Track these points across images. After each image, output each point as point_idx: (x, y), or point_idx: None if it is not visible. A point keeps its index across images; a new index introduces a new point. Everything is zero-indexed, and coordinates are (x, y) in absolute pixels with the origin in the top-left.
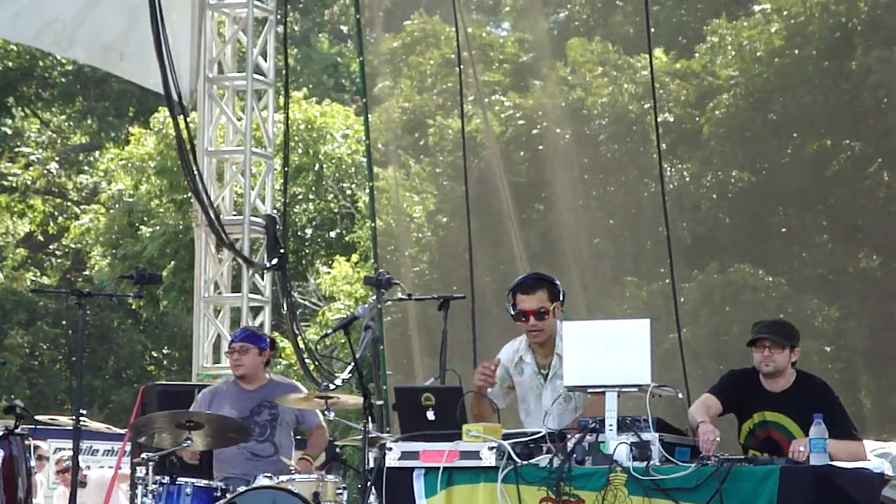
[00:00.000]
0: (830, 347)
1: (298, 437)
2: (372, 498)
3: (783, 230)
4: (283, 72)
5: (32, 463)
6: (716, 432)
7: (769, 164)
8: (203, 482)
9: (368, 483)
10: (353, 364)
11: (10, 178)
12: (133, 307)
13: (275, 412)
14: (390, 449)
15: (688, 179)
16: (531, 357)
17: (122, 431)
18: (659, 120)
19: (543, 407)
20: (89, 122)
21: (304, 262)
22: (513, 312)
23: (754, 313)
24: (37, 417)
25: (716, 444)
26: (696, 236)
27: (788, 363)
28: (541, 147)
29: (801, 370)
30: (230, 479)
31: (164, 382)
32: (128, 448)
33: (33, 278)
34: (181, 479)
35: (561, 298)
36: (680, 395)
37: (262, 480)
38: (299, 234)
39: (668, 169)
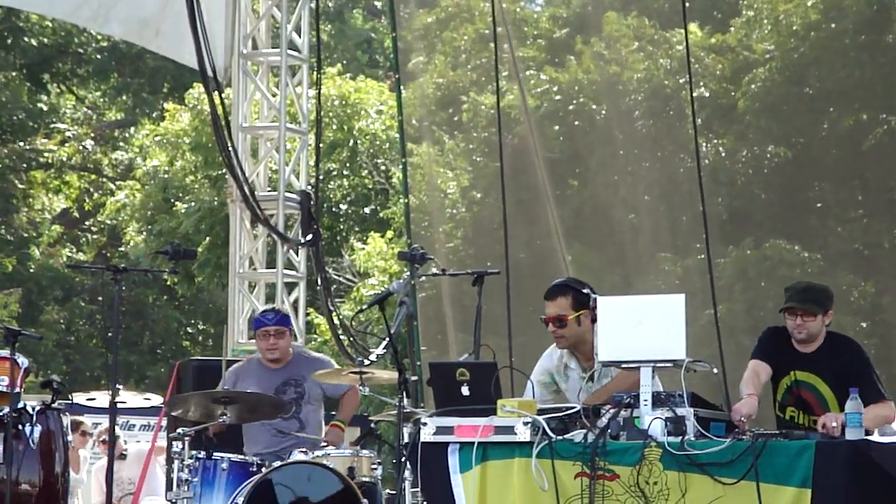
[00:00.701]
0: (866, 323)
1: (332, 413)
2: (407, 473)
3: (818, 205)
4: (317, 47)
5: (70, 438)
6: (747, 413)
7: (805, 139)
8: (239, 457)
9: (403, 458)
10: (387, 340)
11: (45, 154)
12: (168, 283)
13: (300, 390)
14: (425, 424)
15: (723, 154)
16: (575, 363)
17: (159, 402)
18: (694, 95)
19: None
20: (124, 98)
21: (338, 238)
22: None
23: None
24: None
25: (744, 422)
26: (732, 211)
27: (822, 328)
28: (576, 122)
29: (832, 331)
30: (262, 456)
31: (199, 358)
32: (164, 423)
33: (69, 254)
34: (217, 454)
35: (592, 305)
36: (715, 371)
37: (297, 456)
38: (334, 210)
39: (704, 144)
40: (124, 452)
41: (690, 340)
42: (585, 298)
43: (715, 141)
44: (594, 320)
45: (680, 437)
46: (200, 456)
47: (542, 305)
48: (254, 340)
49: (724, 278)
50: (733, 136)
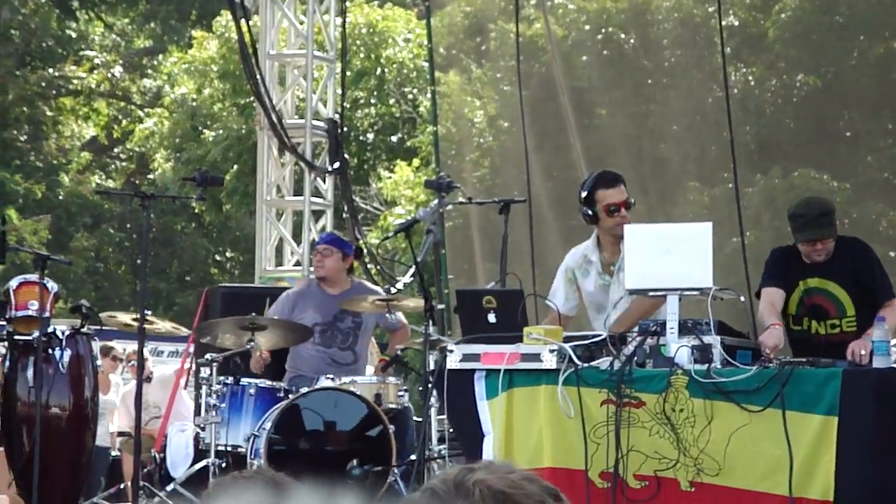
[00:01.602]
0: (895, 252)
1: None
2: (433, 400)
3: (848, 134)
4: None
5: (99, 362)
6: (774, 346)
7: (834, 68)
8: (266, 383)
9: (429, 385)
10: (414, 268)
11: (74, 81)
12: (196, 211)
13: (358, 320)
14: (451, 351)
15: (752, 84)
16: (597, 256)
17: (186, 332)
18: (723, 23)
19: (611, 300)
20: (152, 25)
21: (365, 166)
22: (591, 213)
23: None
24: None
25: (770, 354)
26: (760, 140)
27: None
28: (605, 52)
29: (838, 235)
30: (298, 379)
31: (227, 285)
32: (192, 349)
33: (98, 181)
34: (245, 380)
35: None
36: (742, 299)
37: (323, 382)
38: (361, 138)
39: (733, 73)
40: (150, 375)
41: (717, 269)
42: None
43: (744, 70)
44: None
45: (706, 365)
46: (228, 381)
47: (566, 231)
48: (281, 267)
49: (751, 207)
50: (762, 65)
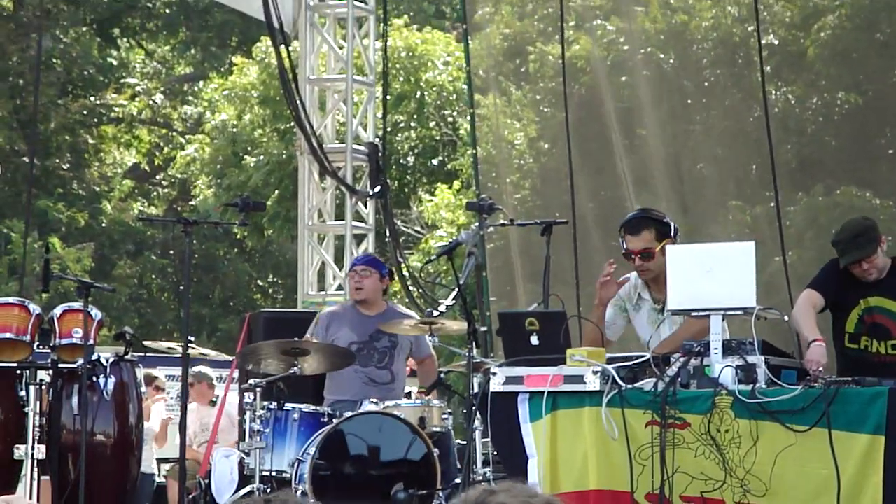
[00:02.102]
0: None
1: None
2: (477, 422)
3: (890, 151)
4: None
5: (143, 389)
6: (822, 362)
7: (875, 86)
8: (311, 408)
9: (473, 408)
10: (456, 290)
11: (116, 109)
12: (238, 236)
13: (394, 339)
14: (494, 374)
15: (793, 102)
16: (648, 293)
17: (229, 358)
18: (763, 42)
19: (660, 337)
20: (193, 52)
21: (406, 189)
22: (623, 250)
23: None
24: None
25: (822, 371)
26: (802, 159)
27: (883, 255)
28: (645, 72)
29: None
30: (339, 404)
31: (269, 310)
32: (235, 375)
33: (140, 208)
34: (289, 405)
35: (672, 234)
36: (785, 318)
37: (368, 406)
38: (401, 161)
39: (773, 92)
40: (214, 399)
41: (760, 288)
42: (667, 228)
43: (784, 89)
44: None
45: (751, 385)
46: (272, 406)
47: (611, 252)
48: (323, 291)
49: (794, 226)
50: (803, 83)
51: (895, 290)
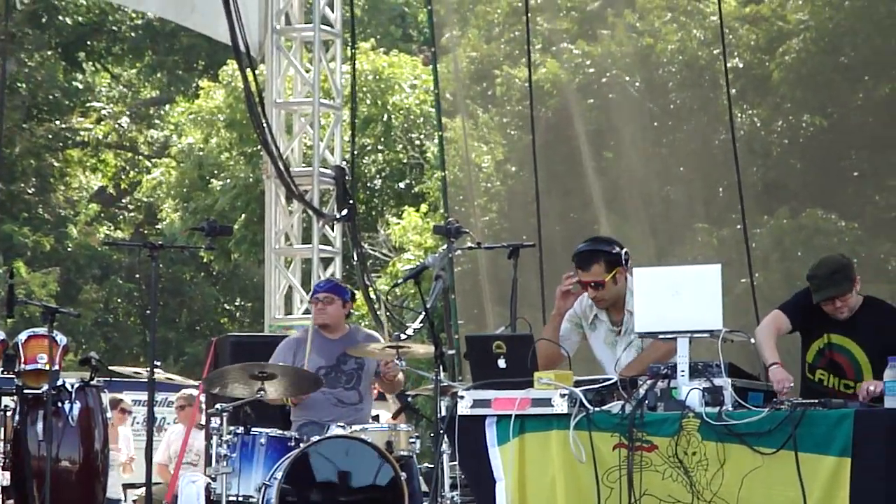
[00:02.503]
0: None
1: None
2: (444, 446)
3: (855, 174)
4: (350, 22)
5: (109, 414)
6: (789, 379)
7: (840, 109)
8: (277, 432)
9: (441, 431)
10: (424, 314)
11: (81, 132)
12: (205, 260)
13: (360, 361)
14: (462, 397)
15: (758, 125)
16: (605, 315)
17: (195, 383)
18: (728, 66)
19: (616, 357)
20: (159, 76)
21: (373, 212)
22: (576, 280)
23: None
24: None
25: (790, 390)
26: (767, 181)
27: (857, 295)
28: (611, 95)
29: (868, 296)
30: (307, 426)
31: (236, 334)
32: (202, 399)
33: (106, 233)
34: (255, 430)
35: (623, 262)
36: (752, 340)
37: (335, 430)
38: (368, 185)
39: (739, 115)
40: (201, 424)
41: (727, 310)
42: (616, 258)
43: (750, 111)
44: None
45: (718, 408)
46: (239, 431)
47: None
48: (291, 315)
49: (760, 248)
50: (768, 106)
51: (858, 331)
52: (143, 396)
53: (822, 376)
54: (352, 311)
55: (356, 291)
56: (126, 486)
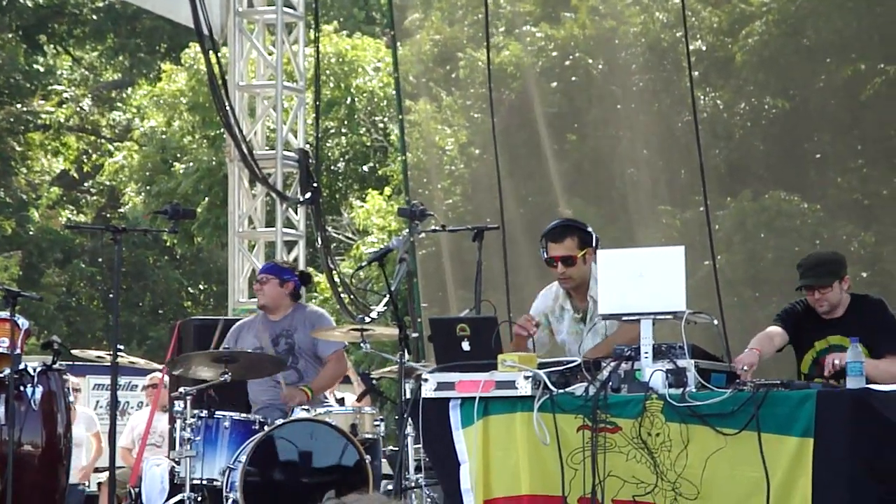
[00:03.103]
0: (867, 273)
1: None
2: (409, 429)
3: (817, 156)
4: (313, 4)
5: (71, 398)
6: (753, 359)
7: (802, 91)
8: (241, 415)
9: (405, 414)
10: (387, 296)
11: (43, 115)
12: (168, 244)
13: (290, 341)
14: (426, 380)
15: (721, 107)
16: (569, 303)
17: (158, 367)
18: (691, 48)
19: (582, 350)
20: (121, 58)
21: (337, 196)
22: (544, 258)
23: (789, 239)
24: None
25: (748, 374)
26: (730, 164)
27: (841, 294)
28: (573, 78)
29: (855, 293)
30: (266, 410)
31: (199, 317)
32: (166, 381)
33: (69, 216)
34: (219, 413)
35: (593, 245)
36: (715, 322)
37: (299, 413)
38: (332, 168)
39: (701, 97)
40: (165, 406)
41: (690, 292)
42: (588, 237)
43: (712, 94)
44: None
45: (681, 389)
46: (203, 415)
47: (538, 258)
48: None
49: (723, 230)
50: (731, 88)
51: (854, 329)
52: (106, 381)
53: (821, 384)
54: (299, 290)
55: (313, 274)
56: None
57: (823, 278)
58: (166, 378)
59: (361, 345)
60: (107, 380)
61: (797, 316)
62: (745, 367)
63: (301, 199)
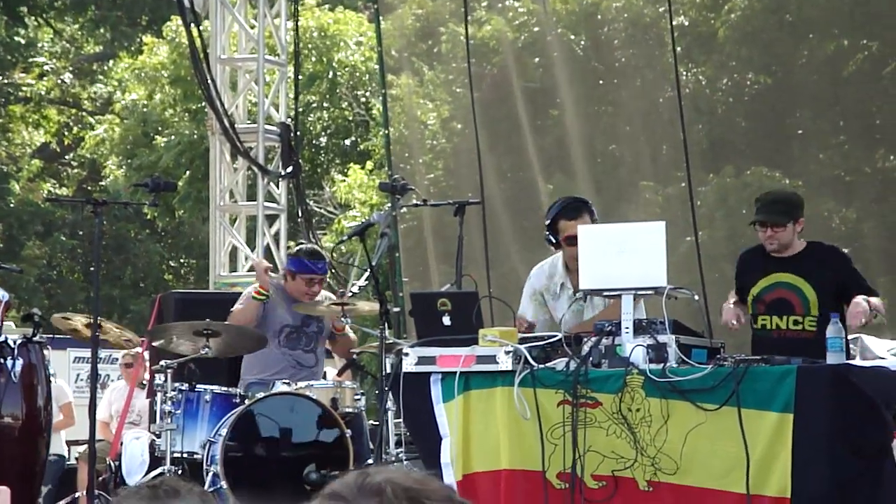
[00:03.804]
0: (848, 249)
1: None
2: (389, 403)
3: (799, 132)
4: None
5: (51, 370)
6: (738, 316)
7: (785, 67)
8: (222, 389)
9: (386, 389)
10: (369, 271)
11: (24, 88)
12: (149, 217)
13: (321, 325)
14: (407, 354)
15: (703, 83)
16: (569, 280)
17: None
18: (674, 23)
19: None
20: (102, 31)
21: (318, 170)
22: (555, 240)
23: None
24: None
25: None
26: (712, 139)
27: (794, 236)
28: (556, 53)
29: (815, 241)
30: (253, 385)
31: (181, 290)
32: (146, 356)
33: (50, 189)
34: (200, 387)
35: (597, 218)
36: (696, 297)
37: (279, 387)
38: (314, 142)
39: (684, 73)
40: (144, 382)
41: (671, 268)
42: (594, 212)
43: (695, 70)
44: None
45: (661, 364)
46: (183, 388)
47: (518, 233)
48: (236, 273)
49: (704, 206)
50: (713, 64)
51: (804, 270)
52: (87, 353)
53: (765, 321)
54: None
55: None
56: (69, 443)
57: (778, 216)
58: (146, 353)
59: (342, 319)
60: (87, 353)
61: (743, 265)
62: (734, 322)
63: (283, 173)
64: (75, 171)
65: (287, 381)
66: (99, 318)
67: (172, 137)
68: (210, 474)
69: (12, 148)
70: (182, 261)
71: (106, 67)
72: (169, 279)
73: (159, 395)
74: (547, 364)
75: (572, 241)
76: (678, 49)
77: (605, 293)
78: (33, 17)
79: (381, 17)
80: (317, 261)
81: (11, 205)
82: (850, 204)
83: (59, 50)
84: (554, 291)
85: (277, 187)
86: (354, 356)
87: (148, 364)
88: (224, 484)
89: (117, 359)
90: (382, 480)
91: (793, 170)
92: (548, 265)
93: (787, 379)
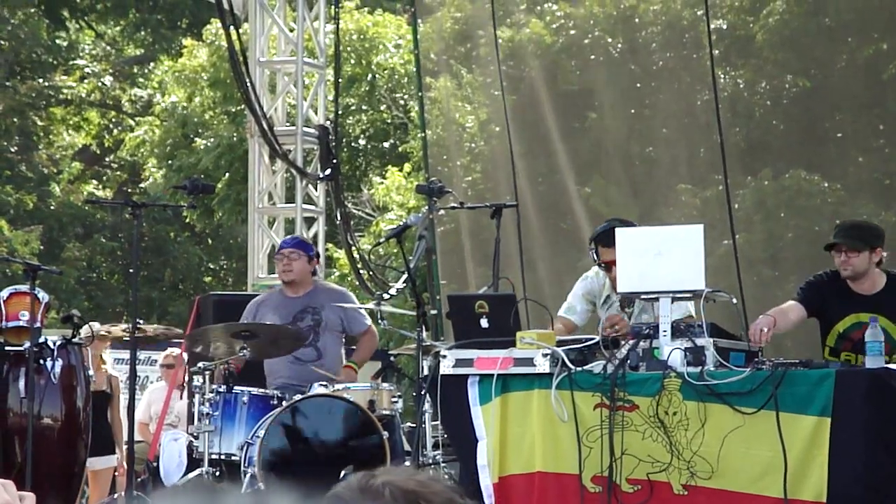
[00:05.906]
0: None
1: (352, 347)
2: (427, 405)
3: (838, 135)
4: None
5: (91, 372)
6: (768, 322)
7: (823, 70)
8: (259, 391)
9: (423, 391)
10: (406, 273)
11: (65, 90)
12: (188, 219)
13: (318, 317)
14: (444, 357)
15: (741, 86)
16: (615, 296)
17: (179, 332)
18: (712, 27)
19: None
20: (143, 34)
21: (357, 172)
22: (596, 260)
23: (809, 219)
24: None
25: (766, 335)
26: (750, 143)
27: (870, 265)
28: (592, 56)
29: (891, 272)
30: (284, 388)
31: (219, 293)
32: (185, 357)
33: (90, 191)
34: (238, 388)
35: None
36: (734, 300)
37: (317, 389)
38: (352, 144)
39: (722, 76)
40: (182, 384)
41: (709, 271)
42: None
43: (732, 73)
44: None
45: (699, 368)
46: (221, 390)
47: (551, 236)
48: (274, 274)
49: (742, 209)
50: (751, 67)
51: (884, 306)
52: (126, 355)
53: (849, 358)
54: (317, 268)
55: (332, 251)
56: None
57: (853, 241)
58: (185, 355)
59: (380, 321)
60: (126, 354)
61: (821, 286)
62: (764, 329)
63: (321, 176)
64: (116, 173)
65: (322, 382)
66: (140, 322)
67: (212, 140)
68: (248, 476)
69: (53, 150)
70: (221, 263)
71: (146, 70)
72: (208, 281)
73: (197, 396)
74: (584, 367)
75: (609, 267)
76: (716, 52)
77: (643, 296)
78: (74, 20)
79: (419, 20)
80: (285, 239)
81: (52, 207)
82: (889, 207)
83: (99, 53)
84: (603, 301)
85: (316, 190)
86: (391, 358)
87: (186, 366)
88: (262, 485)
89: (156, 360)
90: (383, 483)
91: (832, 173)
92: (602, 277)
93: (825, 382)
